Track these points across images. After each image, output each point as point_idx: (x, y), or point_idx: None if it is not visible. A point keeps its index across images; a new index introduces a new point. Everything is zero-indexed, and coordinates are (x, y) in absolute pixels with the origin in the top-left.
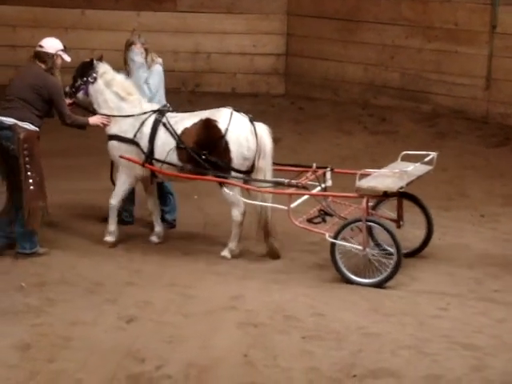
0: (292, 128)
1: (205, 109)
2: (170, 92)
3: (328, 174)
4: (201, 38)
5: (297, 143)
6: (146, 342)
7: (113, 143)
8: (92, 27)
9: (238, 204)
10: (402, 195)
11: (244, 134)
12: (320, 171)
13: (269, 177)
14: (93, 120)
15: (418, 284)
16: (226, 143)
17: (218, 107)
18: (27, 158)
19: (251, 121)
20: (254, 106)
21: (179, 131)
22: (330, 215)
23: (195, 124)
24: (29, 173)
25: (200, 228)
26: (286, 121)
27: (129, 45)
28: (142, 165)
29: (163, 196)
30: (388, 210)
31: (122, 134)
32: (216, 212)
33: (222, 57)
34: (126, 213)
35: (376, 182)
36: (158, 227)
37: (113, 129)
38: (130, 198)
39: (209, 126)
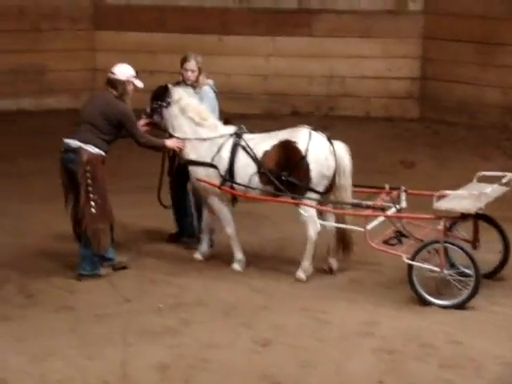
0: (427, 152)
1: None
2: (302, 115)
3: (403, 195)
4: (336, 62)
5: (432, 168)
6: (281, 366)
7: (193, 169)
8: (228, 53)
9: (315, 223)
10: (478, 217)
11: (323, 154)
12: (394, 192)
13: (349, 195)
14: (169, 143)
15: None
16: (307, 164)
17: (355, 130)
18: (89, 181)
19: (329, 140)
20: (387, 129)
21: (260, 154)
22: (406, 237)
23: (274, 146)
24: (91, 195)
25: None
26: (421, 145)
27: (183, 60)
28: (219, 187)
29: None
30: (464, 232)
31: (201, 159)
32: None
33: (356, 81)
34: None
35: (453, 203)
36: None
37: (191, 154)
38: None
39: (288, 147)
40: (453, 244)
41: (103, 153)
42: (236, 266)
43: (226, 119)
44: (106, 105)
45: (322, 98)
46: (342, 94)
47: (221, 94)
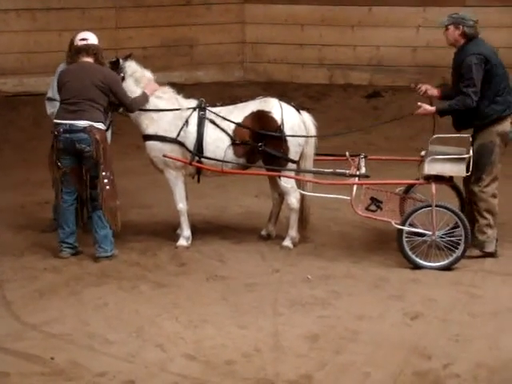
0: None
1: None
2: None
3: (362, 162)
4: (489, 33)
5: None
6: (433, 340)
7: (153, 144)
8: (377, 24)
9: (294, 191)
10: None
11: (297, 123)
12: (356, 159)
13: (312, 163)
14: (149, 90)
15: None
16: (284, 133)
17: None
18: (102, 159)
19: (297, 109)
20: None
21: (232, 126)
22: (380, 202)
23: (247, 117)
24: (103, 173)
25: None
26: None
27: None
28: (190, 163)
29: None
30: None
31: (163, 134)
32: None
33: (510, 51)
34: None
35: (443, 167)
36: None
37: (150, 128)
38: None
39: (263, 117)
40: (444, 207)
41: (105, 128)
42: (183, 242)
43: (374, 92)
44: (94, 74)
45: None
46: None
47: (368, 66)
